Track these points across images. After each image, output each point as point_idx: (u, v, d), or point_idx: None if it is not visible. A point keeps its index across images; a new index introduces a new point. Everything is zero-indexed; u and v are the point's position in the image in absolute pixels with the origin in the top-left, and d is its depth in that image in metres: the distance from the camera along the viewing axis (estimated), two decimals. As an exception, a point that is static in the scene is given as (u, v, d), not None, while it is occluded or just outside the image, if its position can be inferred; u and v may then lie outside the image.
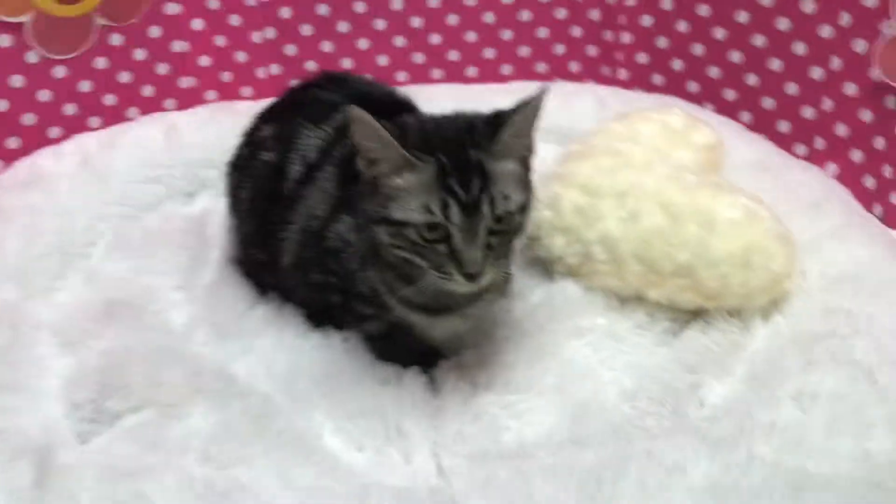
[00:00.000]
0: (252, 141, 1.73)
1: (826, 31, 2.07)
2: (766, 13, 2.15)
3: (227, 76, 2.35)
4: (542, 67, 2.46)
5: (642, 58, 2.36)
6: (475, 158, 1.30)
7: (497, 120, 1.34)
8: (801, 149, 2.17)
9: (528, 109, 1.31)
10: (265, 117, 1.74)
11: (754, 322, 1.58)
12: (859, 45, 2.02)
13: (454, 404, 1.48)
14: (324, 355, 1.60)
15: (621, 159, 1.73)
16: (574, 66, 2.45)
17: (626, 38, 2.36)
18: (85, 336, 1.57)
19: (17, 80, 2.12)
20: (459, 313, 1.51)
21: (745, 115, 2.24)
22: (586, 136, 1.88)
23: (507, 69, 2.45)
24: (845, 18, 2.02)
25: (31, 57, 2.12)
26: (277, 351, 1.61)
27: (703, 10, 2.23)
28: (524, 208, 1.35)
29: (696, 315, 1.64)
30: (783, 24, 2.12)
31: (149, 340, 1.55)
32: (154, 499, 1.19)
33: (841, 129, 2.11)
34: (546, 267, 1.79)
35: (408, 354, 1.58)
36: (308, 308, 1.71)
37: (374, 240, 1.38)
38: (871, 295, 1.51)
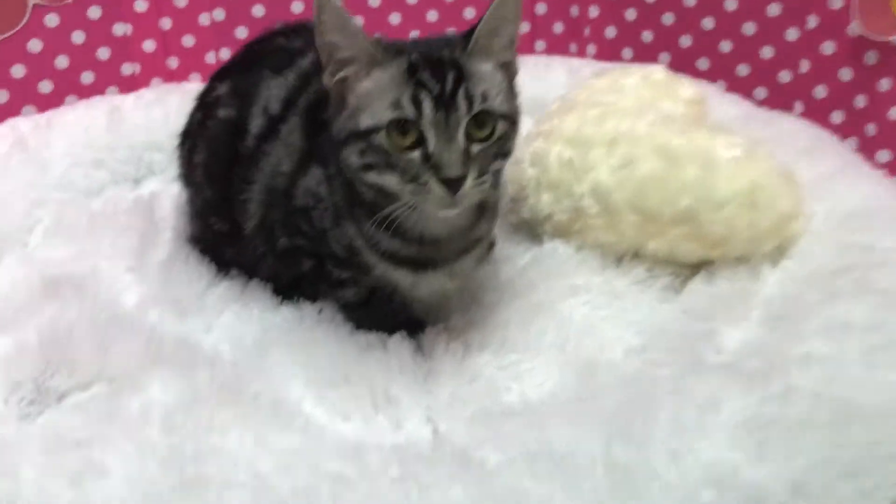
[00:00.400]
0: (206, 103, 1.57)
1: (801, -11, 2.02)
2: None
3: (173, 62, 2.20)
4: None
5: (611, 31, 2.29)
6: (449, 56, 1.19)
7: (472, 27, 1.23)
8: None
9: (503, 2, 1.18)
10: (220, 76, 1.59)
11: (762, 269, 1.46)
12: (836, 1, 1.96)
13: (447, 366, 1.33)
14: (296, 326, 1.44)
15: (608, 109, 1.62)
16: (540, 45, 2.36)
17: (594, 11, 2.29)
18: (21, 314, 1.38)
19: (-60, 64, 1.95)
20: (445, 269, 1.37)
21: (721, 84, 2.17)
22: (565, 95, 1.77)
23: (470, 49, 2.34)
24: (820, -28, 1.98)
25: (-43, 38, 1.95)
26: (244, 325, 1.45)
27: (673, -23, 2.17)
28: (508, 119, 1.22)
29: (698, 268, 1.52)
30: (756, -16, 2.07)
31: (95, 315, 1.37)
32: (111, 466, 1.00)
33: (820, 91, 2.05)
34: (533, 230, 1.66)
35: (390, 322, 1.43)
36: (276, 281, 1.55)
37: (346, 170, 1.24)
38: (886, 229, 1.41)
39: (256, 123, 1.44)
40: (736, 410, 1.07)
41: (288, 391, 1.28)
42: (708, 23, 2.15)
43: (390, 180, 1.18)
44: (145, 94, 2.03)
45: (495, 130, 1.20)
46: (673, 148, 1.49)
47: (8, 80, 2.02)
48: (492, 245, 1.65)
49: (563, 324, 1.42)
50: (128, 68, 2.16)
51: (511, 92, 1.26)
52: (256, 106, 1.45)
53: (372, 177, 1.20)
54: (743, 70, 2.15)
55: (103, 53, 2.12)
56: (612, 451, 1.02)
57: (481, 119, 1.18)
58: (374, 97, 1.18)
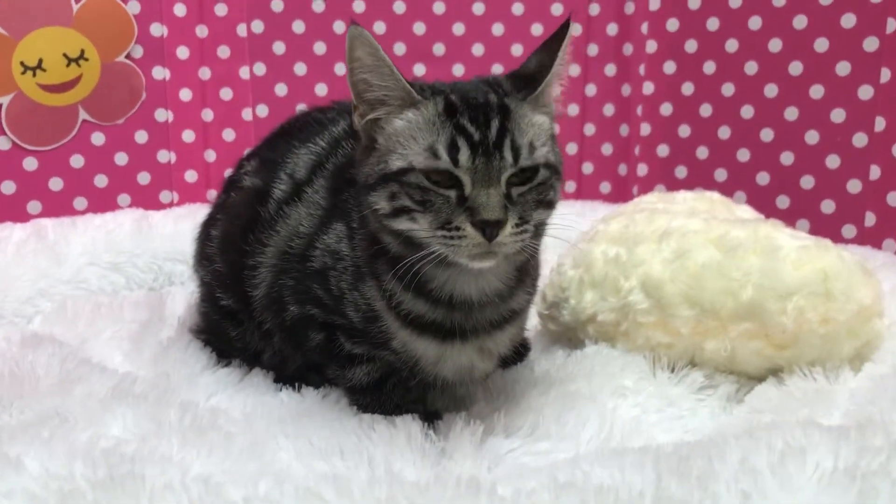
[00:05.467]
0: (232, 181, 1.50)
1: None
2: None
3: (213, 194, 2.17)
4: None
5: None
6: (496, 100, 1.08)
7: (524, 71, 1.14)
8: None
9: (564, 52, 1.10)
10: (249, 156, 1.52)
11: (842, 372, 1.24)
12: None
13: (465, 448, 1.11)
14: (294, 406, 1.25)
15: (657, 211, 1.50)
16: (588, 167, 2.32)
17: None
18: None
19: (-20, 168, 1.95)
20: (475, 343, 1.19)
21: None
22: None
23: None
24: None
25: (2, 143, 1.95)
26: (234, 402, 1.27)
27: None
28: (550, 168, 1.09)
29: (764, 379, 1.31)
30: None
31: (65, 359, 1.20)
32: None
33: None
34: (574, 336, 1.47)
35: (402, 412, 1.22)
36: (279, 369, 1.38)
37: (372, 218, 1.11)
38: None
39: (281, 188, 1.35)
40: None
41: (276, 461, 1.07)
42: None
43: (421, 224, 1.05)
44: (176, 209, 1.98)
45: (537, 176, 1.08)
46: (731, 238, 1.34)
47: (44, 192, 2.00)
48: (526, 348, 1.47)
49: (607, 418, 1.19)
50: (167, 196, 2.13)
51: (554, 138, 1.16)
52: (283, 172, 1.37)
53: (401, 223, 1.07)
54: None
55: (144, 178, 2.11)
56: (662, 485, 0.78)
57: (527, 172, 1.06)
58: (408, 137, 1.07)
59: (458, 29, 2.22)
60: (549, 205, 1.11)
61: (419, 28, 2.21)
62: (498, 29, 2.22)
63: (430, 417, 1.22)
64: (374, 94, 1.10)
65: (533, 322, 1.59)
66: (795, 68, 2.00)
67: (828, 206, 2.01)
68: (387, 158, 1.08)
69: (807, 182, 2.03)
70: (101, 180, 2.06)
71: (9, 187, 1.97)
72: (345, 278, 1.21)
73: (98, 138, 2.04)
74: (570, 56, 1.13)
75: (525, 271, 1.20)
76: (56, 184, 2.01)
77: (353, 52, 1.08)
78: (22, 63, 1.92)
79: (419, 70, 2.21)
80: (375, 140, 1.12)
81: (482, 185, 1.03)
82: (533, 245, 1.11)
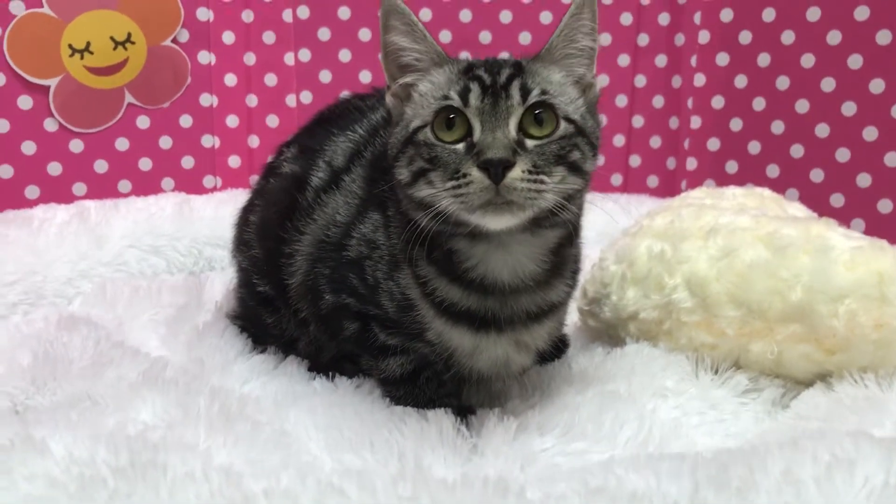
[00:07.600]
0: (271, 167, 1.49)
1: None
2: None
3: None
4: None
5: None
6: (511, 59, 1.11)
7: None
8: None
9: (579, 8, 1.10)
10: (289, 142, 1.51)
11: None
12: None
13: (498, 445, 1.08)
14: (326, 396, 1.23)
15: (705, 207, 1.45)
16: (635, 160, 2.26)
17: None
18: (29, 341, 1.23)
19: (28, 147, 1.96)
20: (512, 335, 1.16)
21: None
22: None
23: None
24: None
25: (50, 125, 1.97)
26: (267, 390, 1.25)
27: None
28: (575, 126, 1.07)
29: (811, 384, 1.26)
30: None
31: (100, 342, 1.20)
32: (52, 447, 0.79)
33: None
34: (615, 333, 1.43)
35: (435, 406, 1.20)
36: (314, 357, 1.37)
37: (400, 194, 1.11)
38: None
39: (318, 176, 1.34)
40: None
41: (302, 452, 1.05)
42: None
43: (434, 180, 1.04)
44: (218, 194, 1.98)
45: (557, 129, 1.06)
46: (781, 236, 1.29)
47: (90, 174, 2.01)
48: (565, 344, 1.44)
49: (646, 419, 1.16)
50: (210, 181, 2.13)
51: (588, 112, 1.12)
52: (321, 160, 1.35)
53: (421, 189, 1.06)
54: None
55: (188, 162, 2.11)
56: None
57: (540, 115, 1.05)
58: (428, 97, 1.10)
59: (506, 17, 2.18)
60: (574, 167, 1.06)
61: (465, 15, 2.18)
62: (546, 17, 2.18)
63: (464, 412, 1.20)
64: (406, 58, 1.13)
65: (573, 318, 1.56)
66: (855, 62, 1.93)
67: (885, 206, 1.93)
68: (409, 124, 1.10)
69: (863, 180, 1.95)
70: (145, 163, 2.07)
71: (55, 169, 1.99)
72: (380, 267, 1.20)
73: (143, 122, 2.06)
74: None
75: (563, 259, 1.16)
76: (101, 166, 2.03)
77: (388, 21, 1.11)
78: (70, 46, 1.94)
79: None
80: (403, 112, 1.13)
81: (490, 129, 1.03)
82: (560, 212, 1.05)
